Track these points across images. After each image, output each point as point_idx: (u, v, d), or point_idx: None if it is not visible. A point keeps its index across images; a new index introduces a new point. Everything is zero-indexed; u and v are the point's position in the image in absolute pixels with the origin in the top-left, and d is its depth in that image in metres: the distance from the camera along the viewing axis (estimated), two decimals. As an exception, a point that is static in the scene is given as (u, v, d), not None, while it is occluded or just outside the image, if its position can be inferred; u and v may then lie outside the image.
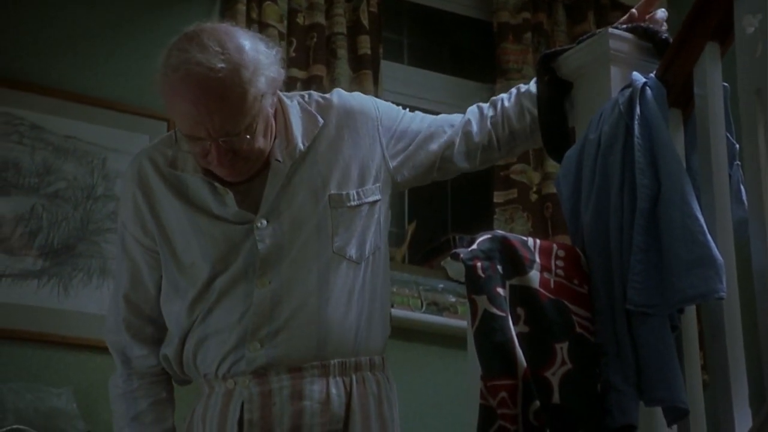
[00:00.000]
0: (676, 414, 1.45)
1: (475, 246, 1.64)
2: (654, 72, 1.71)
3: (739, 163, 1.67)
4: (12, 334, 2.75)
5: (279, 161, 1.85)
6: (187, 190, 1.87)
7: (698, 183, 1.56)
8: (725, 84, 1.65)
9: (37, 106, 2.93)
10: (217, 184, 1.84)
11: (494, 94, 2.19)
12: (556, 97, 1.87)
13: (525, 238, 1.65)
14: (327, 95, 1.97)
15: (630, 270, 1.50)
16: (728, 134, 1.64)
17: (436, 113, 2.04)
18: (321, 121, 1.90)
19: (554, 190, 3.24)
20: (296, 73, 3.13)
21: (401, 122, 1.95)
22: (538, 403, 1.46)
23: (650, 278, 1.48)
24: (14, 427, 2.45)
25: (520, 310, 1.56)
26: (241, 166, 1.82)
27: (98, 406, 2.78)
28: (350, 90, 2.18)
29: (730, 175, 1.61)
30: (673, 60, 1.67)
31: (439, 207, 3.71)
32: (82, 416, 2.61)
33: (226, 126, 1.76)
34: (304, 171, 1.85)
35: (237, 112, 1.76)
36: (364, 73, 3.21)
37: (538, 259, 1.61)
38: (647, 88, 1.63)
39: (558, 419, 1.46)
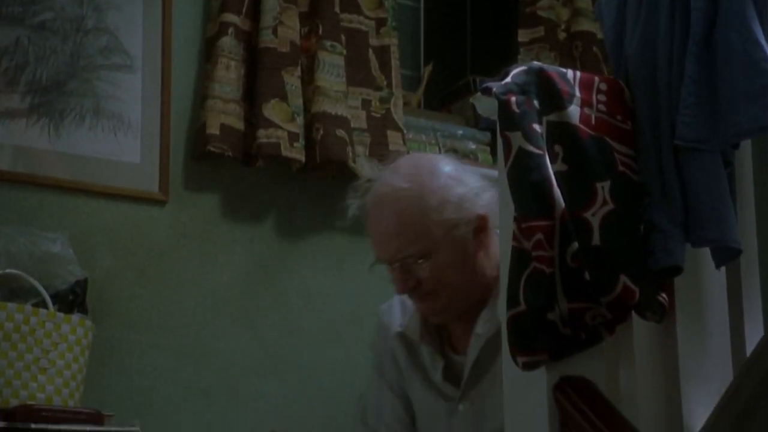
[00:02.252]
0: (727, 255, 1.45)
1: (509, 79, 1.60)
2: None
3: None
4: (1, 176, 2.75)
5: (478, 335, 1.88)
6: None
7: (761, 5, 1.51)
8: None
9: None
10: (432, 350, 1.94)
11: None
12: None
13: (564, 70, 1.61)
14: None
15: (680, 103, 1.47)
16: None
17: None
18: None
19: (585, 28, 3.19)
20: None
21: None
22: (576, 244, 1.46)
23: (703, 111, 1.45)
24: (6, 271, 2.47)
25: (558, 148, 1.54)
26: (432, 301, 1.89)
27: (95, 252, 2.81)
28: None
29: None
30: None
31: (457, 47, 3.66)
32: (79, 262, 2.63)
33: (400, 248, 1.84)
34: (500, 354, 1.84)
35: (411, 234, 1.84)
36: None
37: (578, 93, 1.58)
38: None
39: (598, 261, 1.45)
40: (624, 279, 1.46)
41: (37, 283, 2.47)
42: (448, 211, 1.87)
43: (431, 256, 1.86)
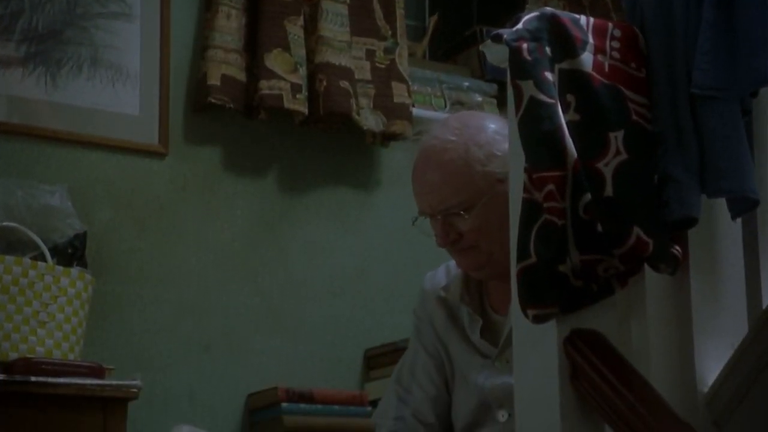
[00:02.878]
0: (744, 206, 1.44)
1: (520, 25, 1.58)
2: None
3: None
4: (-3, 127, 2.75)
5: None
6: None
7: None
8: None
9: None
10: (470, 311, 2.00)
11: None
12: None
13: (577, 16, 1.59)
14: None
15: (697, 49, 1.45)
16: None
17: None
18: None
19: (596, -23, 3.16)
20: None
21: None
22: (588, 195, 1.44)
23: (720, 58, 1.43)
24: (4, 224, 2.47)
25: (570, 97, 1.52)
26: (473, 256, 1.93)
27: (94, 206, 2.81)
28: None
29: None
30: None
31: (463, -3, 3.63)
32: (78, 215, 2.63)
33: (444, 199, 1.89)
34: None
35: (455, 185, 1.88)
36: None
37: (591, 40, 1.56)
38: None
39: (611, 212, 1.44)
40: (637, 231, 1.45)
41: (35, 236, 2.47)
42: (493, 164, 1.90)
43: (474, 209, 1.90)
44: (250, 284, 2.97)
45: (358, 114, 3.07)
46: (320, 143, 3.13)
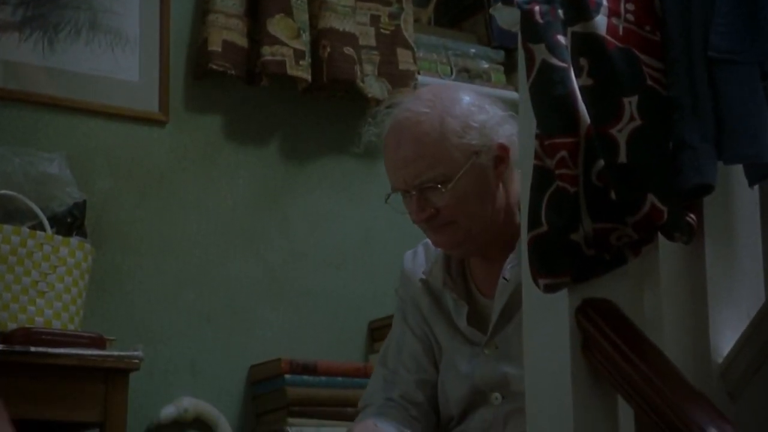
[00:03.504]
0: (762, 172, 1.42)
1: (531, -13, 1.57)
2: None
3: None
4: (-7, 93, 2.73)
5: (506, 280, 1.89)
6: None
7: None
8: None
9: None
10: (455, 296, 1.96)
11: None
12: None
13: (591, -23, 1.57)
14: None
15: (715, 11, 1.43)
16: None
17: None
18: None
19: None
20: None
21: None
22: (602, 162, 1.43)
23: (739, 20, 1.41)
24: (1, 192, 2.46)
25: (583, 61, 1.50)
26: (450, 232, 1.89)
27: (93, 174, 2.80)
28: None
29: None
30: None
31: (470, -40, 3.60)
32: (77, 184, 2.62)
33: (419, 172, 1.85)
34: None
35: (430, 158, 1.85)
36: None
37: (605, 2, 1.54)
38: None
39: (624, 179, 1.43)
40: (651, 198, 1.44)
41: (33, 205, 2.47)
42: (469, 136, 1.87)
43: (451, 182, 1.86)
44: (252, 255, 2.97)
45: (363, 81, 3.06)
46: (324, 111, 3.12)
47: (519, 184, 1.91)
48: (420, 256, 2.07)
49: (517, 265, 1.87)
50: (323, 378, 2.82)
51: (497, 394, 1.92)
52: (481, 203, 1.90)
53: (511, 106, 3.70)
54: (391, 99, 2.06)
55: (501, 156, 1.91)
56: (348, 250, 3.11)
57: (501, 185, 1.93)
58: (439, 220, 1.89)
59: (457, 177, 1.86)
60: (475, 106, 1.91)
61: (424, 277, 2.02)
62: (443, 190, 1.86)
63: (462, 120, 1.88)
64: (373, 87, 3.09)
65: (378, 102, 3.10)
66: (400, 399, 2.00)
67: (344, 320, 3.04)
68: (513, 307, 1.89)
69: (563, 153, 1.45)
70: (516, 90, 3.40)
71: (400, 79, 3.11)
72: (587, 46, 1.51)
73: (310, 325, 3.00)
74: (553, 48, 1.49)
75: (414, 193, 1.89)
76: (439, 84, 2.05)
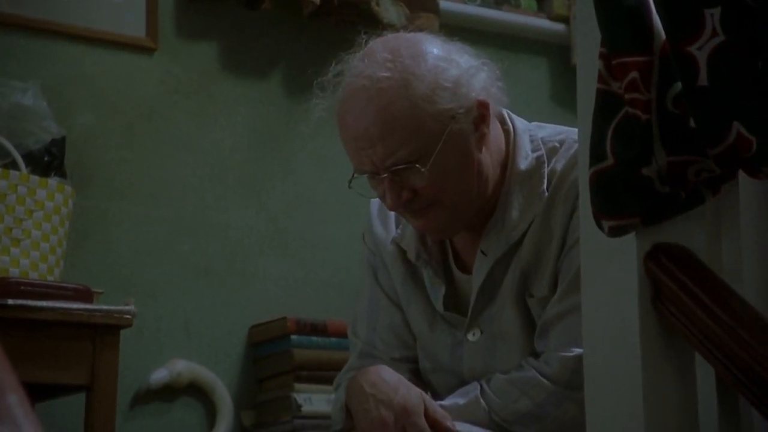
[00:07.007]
0: None
1: None
2: None
3: None
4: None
5: (484, 254, 1.81)
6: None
7: None
8: None
9: None
10: (431, 273, 1.87)
11: None
12: None
13: None
14: (559, 138, 1.88)
15: None
16: None
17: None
18: (545, 192, 1.82)
19: None
20: None
21: None
22: (679, 85, 1.39)
23: None
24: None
25: (656, -33, 1.46)
26: (434, 215, 1.78)
27: (72, 107, 2.81)
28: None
29: None
30: None
31: None
32: (54, 117, 2.59)
33: (389, 152, 1.72)
34: (511, 270, 1.83)
35: (400, 132, 1.72)
36: None
37: None
38: None
39: (705, 105, 1.38)
40: (737, 126, 1.39)
41: (5, 141, 2.43)
42: (442, 99, 1.73)
43: (429, 157, 1.73)
44: (253, 201, 2.97)
45: (378, 5, 3.02)
46: (333, 39, 3.06)
47: (500, 134, 1.86)
48: (390, 214, 1.95)
49: (497, 239, 1.81)
50: (333, 339, 2.81)
51: (476, 330, 1.87)
52: (465, 174, 1.79)
53: (543, 37, 3.63)
54: (339, 62, 1.86)
55: (482, 114, 1.79)
56: (358, 195, 3.05)
57: (483, 148, 1.81)
58: (419, 202, 1.78)
59: (436, 151, 1.74)
60: (443, 60, 1.76)
61: (397, 237, 1.91)
62: (422, 169, 1.73)
63: (430, 80, 1.74)
64: (390, 12, 3.06)
65: (395, 29, 3.05)
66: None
67: (353, 273, 3.01)
68: (493, 284, 1.83)
69: (634, 74, 1.40)
70: (549, 19, 3.35)
71: (420, 4, 3.09)
72: (661, -52, 1.45)
73: (318, 280, 3.00)
74: (622, -48, 1.44)
75: (385, 175, 1.75)
76: (392, 36, 1.83)
